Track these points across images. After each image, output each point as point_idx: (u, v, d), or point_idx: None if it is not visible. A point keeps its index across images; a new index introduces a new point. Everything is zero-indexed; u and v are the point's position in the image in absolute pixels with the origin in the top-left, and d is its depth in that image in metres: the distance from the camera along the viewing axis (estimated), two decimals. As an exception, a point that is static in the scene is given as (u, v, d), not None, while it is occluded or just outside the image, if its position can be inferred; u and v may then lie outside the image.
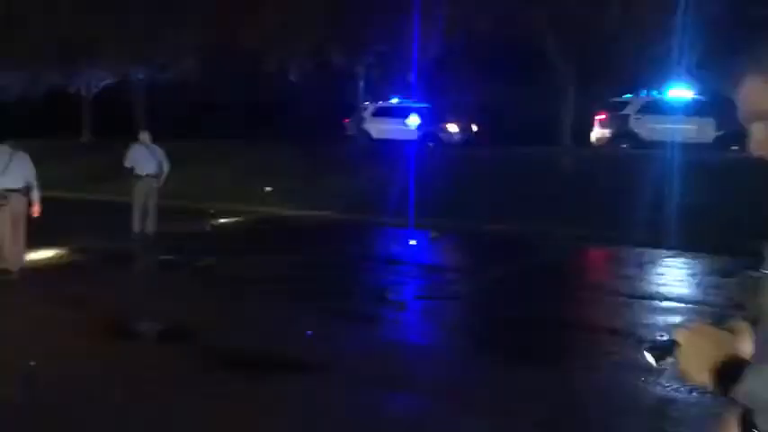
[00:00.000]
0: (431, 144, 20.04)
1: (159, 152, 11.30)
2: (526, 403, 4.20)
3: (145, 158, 11.06)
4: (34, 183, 8.02)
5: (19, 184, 7.84)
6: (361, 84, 20.09)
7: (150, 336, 5.87)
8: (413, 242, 10.81)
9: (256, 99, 22.90)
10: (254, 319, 6.16)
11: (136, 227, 10.98)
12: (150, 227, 11.07)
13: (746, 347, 1.25)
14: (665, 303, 6.74)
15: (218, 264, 8.89)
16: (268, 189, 15.74)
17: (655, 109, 17.90)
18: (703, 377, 1.19)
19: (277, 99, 22.74)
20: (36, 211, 8.01)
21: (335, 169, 16.06)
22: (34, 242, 8.36)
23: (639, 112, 18.09)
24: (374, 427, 3.95)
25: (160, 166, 11.17)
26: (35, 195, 8.00)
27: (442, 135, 21.19)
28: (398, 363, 5.05)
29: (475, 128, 22.06)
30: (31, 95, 25.11)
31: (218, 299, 7.06)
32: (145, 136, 11.38)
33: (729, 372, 1.16)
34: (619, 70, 18.14)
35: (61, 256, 9.42)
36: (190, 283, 7.93)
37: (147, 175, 11.00)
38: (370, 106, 21.68)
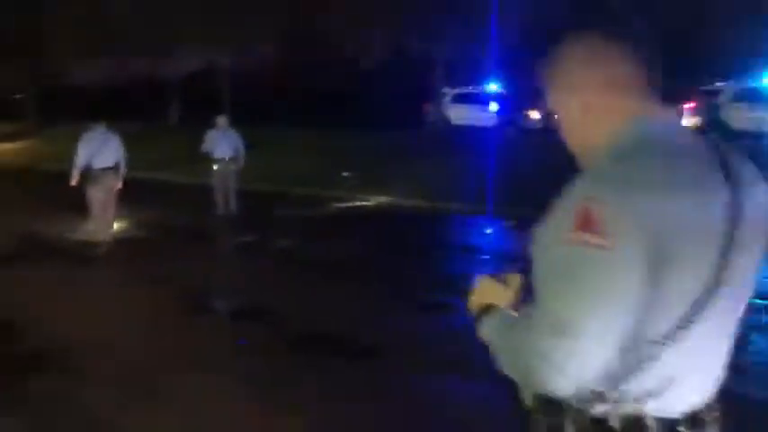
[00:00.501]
0: (510, 130, 19.74)
1: (235, 136, 11.60)
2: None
3: (221, 143, 11.39)
4: (123, 162, 8.63)
5: (111, 163, 8.50)
6: (441, 69, 19.92)
7: (225, 313, 6.04)
8: (489, 230, 10.69)
9: (336, 85, 23.09)
10: (327, 302, 6.24)
11: (219, 209, 11.35)
12: (230, 208, 11.37)
13: (511, 295, 1.44)
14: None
15: (296, 247, 9.04)
16: (346, 174, 15.87)
17: (749, 97, 17.07)
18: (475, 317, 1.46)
19: (356, 85, 22.86)
20: (118, 186, 8.67)
21: (413, 155, 16.03)
22: (121, 218, 8.78)
23: (732, 100, 17.30)
24: (443, 413, 3.94)
25: (236, 150, 11.47)
26: (121, 173, 8.63)
27: (523, 121, 20.83)
28: (468, 350, 4.99)
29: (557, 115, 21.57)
30: (120, 80, 26.14)
31: (293, 281, 7.18)
32: (221, 121, 11.67)
33: (481, 315, 1.44)
34: (710, 57, 17.39)
35: (145, 233, 9.85)
36: (267, 264, 8.09)
37: (223, 159, 11.35)
38: (450, 92, 21.52)
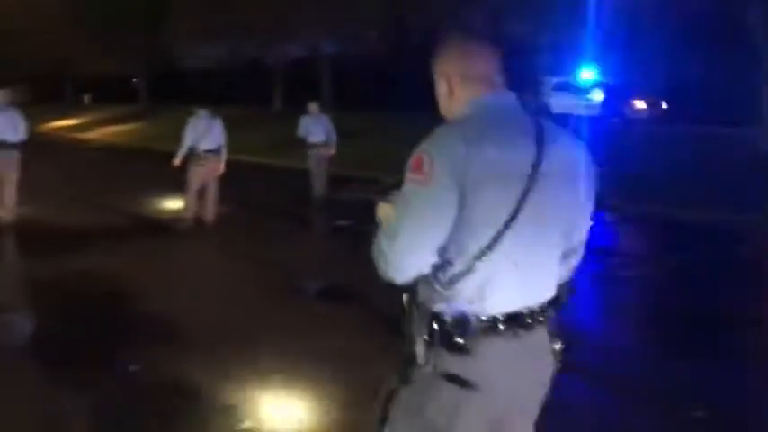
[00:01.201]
0: (615, 120, 19.12)
1: (327, 122, 11.89)
2: (694, 400, 3.96)
3: (314, 128, 11.70)
4: (224, 145, 9.07)
5: (214, 146, 8.92)
6: (543, 56, 19.50)
7: (320, 293, 6.19)
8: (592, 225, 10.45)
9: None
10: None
11: (315, 192, 11.68)
12: (322, 192, 11.71)
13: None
14: None
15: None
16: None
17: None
18: None
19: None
20: (220, 169, 9.04)
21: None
22: (222, 200, 9.19)
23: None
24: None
25: (328, 136, 11.75)
26: (223, 156, 9.04)
27: (627, 111, 20.15)
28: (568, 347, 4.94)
29: (664, 105, 20.74)
30: (229, 66, 27.05)
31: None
32: (314, 107, 11.99)
33: (378, 227, 1.84)
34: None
35: (244, 214, 10.28)
36: (361, 248, 8.22)
37: (317, 144, 11.66)
38: (550, 80, 21.05)
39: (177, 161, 8.91)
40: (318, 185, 11.76)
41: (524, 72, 19.64)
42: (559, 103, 20.85)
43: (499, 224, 1.68)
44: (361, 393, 3.95)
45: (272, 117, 24.35)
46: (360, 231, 9.67)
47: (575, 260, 2.03)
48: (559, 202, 1.80)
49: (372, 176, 15.91)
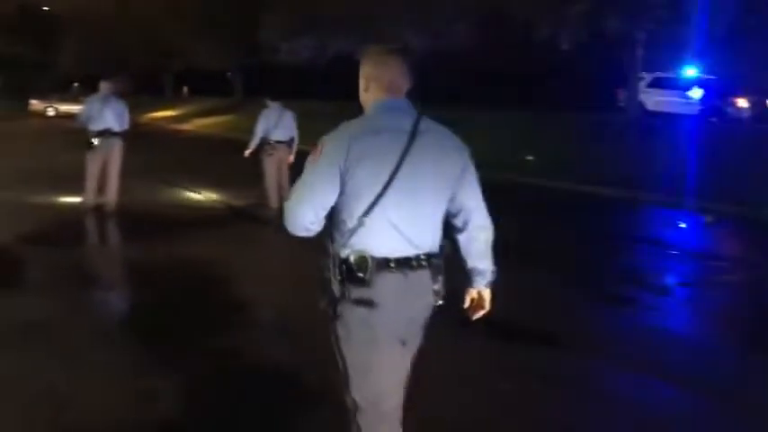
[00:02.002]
0: (713, 119, 18.26)
1: None
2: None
3: None
4: (296, 137, 9.43)
5: (285, 138, 9.30)
6: (639, 52, 18.80)
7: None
8: (682, 225, 10.06)
9: (526, 68, 22.65)
10: (508, 287, 6.20)
11: None
12: None
13: None
14: None
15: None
16: (530, 158, 15.60)
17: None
18: None
19: (547, 68, 22.26)
20: (290, 159, 9.35)
21: (603, 141, 15.38)
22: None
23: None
24: (625, 410, 3.81)
25: None
26: (294, 147, 9.39)
27: (728, 110, 19.16)
28: (655, 349, 4.78)
29: (769, 103, 19.61)
30: (320, 60, 27.43)
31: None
32: None
33: None
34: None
35: None
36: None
37: None
38: (647, 76, 20.29)
39: (248, 151, 9.37)
40: None
41: (620, 67, 19.12)
42: (655, 100, 20.10)
43: (376, 192, 2.26)
44: (439, 381, 3.96)
45: (358, 111, 24.58)
46: (446, 229, 9.56)
47: (481, 220, 2.67)
48: (431, 176, 2.35)
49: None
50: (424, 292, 2.43)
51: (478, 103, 21.69)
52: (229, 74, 42.10)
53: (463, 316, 2.80)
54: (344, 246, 2.31)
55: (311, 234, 2.38)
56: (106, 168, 8.97)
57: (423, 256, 2.37)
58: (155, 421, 3.45)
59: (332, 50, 26.86)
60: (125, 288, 6.03)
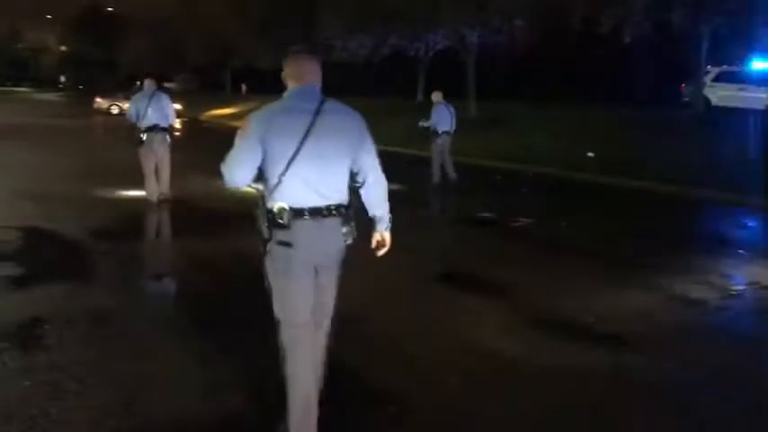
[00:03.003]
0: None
1: (453, 110, 12.33)
2: None
3: (444, 117, 12.11)
4: None
5: None
6: (704, 45, 18.20)
7: (462, 284, 6.12)
8: (749, 223, 9.72)
9: (587, 62, 22.21)
10: (567, 285, 6.13)
11: (435, 178, 12.19)
12: (451, 178, 12.15)
13: None
14: None
15: (534, 226, 8.96)
16: (590, 155, 15.30)
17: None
18: None
19: (609, 62, 21.77)
20: None
21: (666, 137, 14.96)
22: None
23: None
24: (694, 412, 3.70)
25: (453, 124, 12.23)
26: None
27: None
28: (724, 351, 4.64)
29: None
30: (376, 58, 27.49)
31: (532, 260, 7.15)
32: (438, 96, 12.36)
33: None
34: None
35: None
36: (502, 240, 8.13)
37: (444, 132, 12.06)
38: (712, 70, 19.65)
39: None
40: (441, 172, 12.16)
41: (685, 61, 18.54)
42: (721, 95, 19.45)
43: (288, 157, 2.92)
44: (506, 385, 3.92)
45: (415, 108, 24.56)
46: (504, 225, 9.55)
47: (377, 181, 3.28)
48: (334, 144, 3.00)
49: (512, 168, 15.87)
50: (335, 234, 3.09)
51: (537, 99, 21.39)
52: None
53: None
54: (270, 199, 2.98)
55: (241, 187, 3.10)
56: (157, 163, 9.30)
57: (332, 207, 3.03)
58: (219, 412, 3.51)
59: (387, 48, 26.89)
60: (187, 279, 6.13)
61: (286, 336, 3.15)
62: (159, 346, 4.35)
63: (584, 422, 3.57)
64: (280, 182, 2.94)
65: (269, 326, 4.72)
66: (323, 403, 3.20)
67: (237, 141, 2.99)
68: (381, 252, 3.44)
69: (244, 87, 49.79)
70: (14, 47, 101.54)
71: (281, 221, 2.96)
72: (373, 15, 24.67)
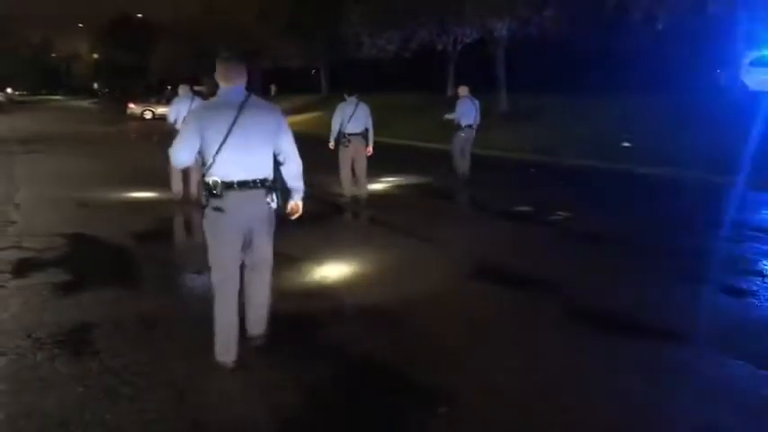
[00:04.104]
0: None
1: (477, 104, 12.33)
2: None
3: (468, 110, 12.17)
4: (371, 129, 9.88)
5: (360, 129, 9.76)
6: (742, 29, 17.79)
7: (504, 281, 6.06)
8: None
9: (620, 50, 21.85)
10: (610, 279, 6.04)
11: (459, 171, 12.34)
12: (466, 172, 12.32)
13: None
14: None
15: (573, 219, 8.86)
16: (626, 144, 15.08)
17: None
18: None
19: (642, 49, 21.40)
20: (369, 151, 9.89)
21: (702, 124, 14.67)
22: (384, 177, 9.37)
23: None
24: (740, 402, 3.62)
25: (476, 118, 12.29)
26: (370, 139, 9.89)
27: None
28: (764, 340, 4.54)
29: None
30: (404, 53, 27.40)
31: (571, 253, 7.06)
32: (464, 90, 12.38)
33: None
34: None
35: (404, 191, 10.69)
36: (541, 234, 8.04)
37: (467, 126, 12.17)
38: (750, 54, 19.20)
39: (331, 144, 10.02)
40: (464, 166, 12.30)
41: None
42: (760, 79, 19.00)
43: (219, 142, 3.77)
44: (557, 377, 3.88)
45: (444, 102, 24.45)
46: (542, 218, 9.46)
47: (293, 160, 4.13)
48: (256, 131, 3.87)
49: (546, 161, 15.69)
50: (259, 202, 3.94)
51: (569, 90, 21.13)
52: (314, 71, 42.74)
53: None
54: (207, 175, 3.86)
55: (186, 165, 4.03)
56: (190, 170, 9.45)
57: (257, 180, 3.89)
58: (269, 413, 3.53)
59: (415, 43, 26.78)
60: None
61: (215, 279, 4.00)
62: (207, 348, 4.38)
63: (638, 421, 3.51)
64: (214, 161, 3.81)
65: (316, 327, 4.76)
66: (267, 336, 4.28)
67: (181, 131, 3.89)
68: (294, 216, 4.30)
69: (273, 88, 50.08)
70: (48, 56, 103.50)
71: (214, 192, 3.83)
72: (401, 10, 24.60)
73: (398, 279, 6.02)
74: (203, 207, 3.88)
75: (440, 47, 26.69)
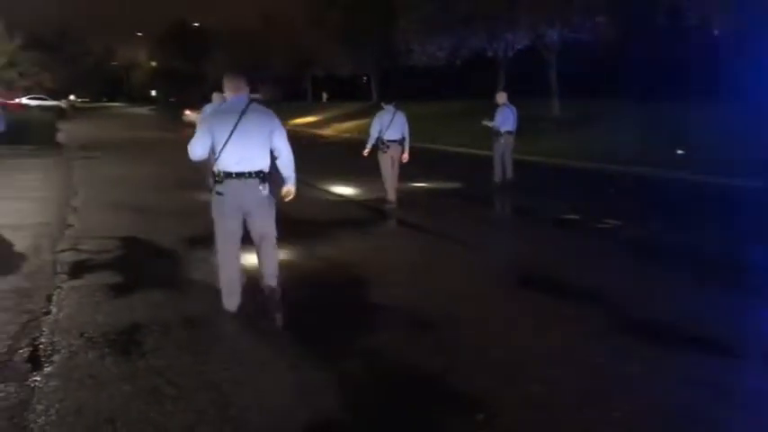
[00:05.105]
0: None
1: (515, 111, 12.56)
2: None
3: (506, 118, 12.40)
4: (407, 136, 10.20)
5: (397, 136, 10.09)
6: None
7: (549, 289, 6.00)
8: None
9: (674, 55, 21.40)
10: (657, 290, 5.93)
11: (499, 177, 12.52)
12: (507, 177, 12.48)
13: None
14: None
15: (621, 227, 8.72)
16: (680, 152, 14.75)
17: None
18: None
19: (697, 55, 20.91)
20: (405, 157, 10.21)
21: (762, 133, 14.23)
22: (430, 183, 9.33)
23: None
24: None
25: (515, 124, 12.50)
26: (406, 146, 10.19)
27: None
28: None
29: None
30: (454, 60, 27.39)
31: (621, 264, 6.95)
32: (503, 97, 12.74)
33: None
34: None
35: (450, 197, 10.72)
36: (589, 243, 7.94)
37: (506, 132, 12.40)
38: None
39: (366, 151, 10.30)
40: (502, 171, 12.48)
41: None
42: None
43: (224, 141, 4.74)
44: (609, 388, 3.84)
45: (493, 109, 24.31)
46: (590, 226, 9.30)
47: (286, 154, 5.04)
48: (254, 132, 4.82)
49: (596, 168, 15.37)
50: (255, 191, 4.86)
51: (622, 96, 20.78)
52: (365, 78, 43.01)
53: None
54: (215, 166, 4.88)
55: (201, 158, 4.93)
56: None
57: (253, 172, 4.83)
58: (312, 416, 3.58)
59: (466, 50, 26.74)
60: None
61: (219, 247, 5.07)
62: (252, 351, 4.47)
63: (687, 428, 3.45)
64: (219, 156, 4.82)
65: (357, 330, 4.81)
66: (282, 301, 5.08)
67: (197, 132, 4.93)
68: (288, 199, 5.20)
69: (325, 95, 50.58)
70: (109, 64, 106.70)
71: (218, 180, 4.85)
72: (452, 17, 24.62)
73: (441, 285, 6.03)
74: (210, 191, 4.98)
75: (490, 53, 26.59)
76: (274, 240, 5.08)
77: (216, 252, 5.09)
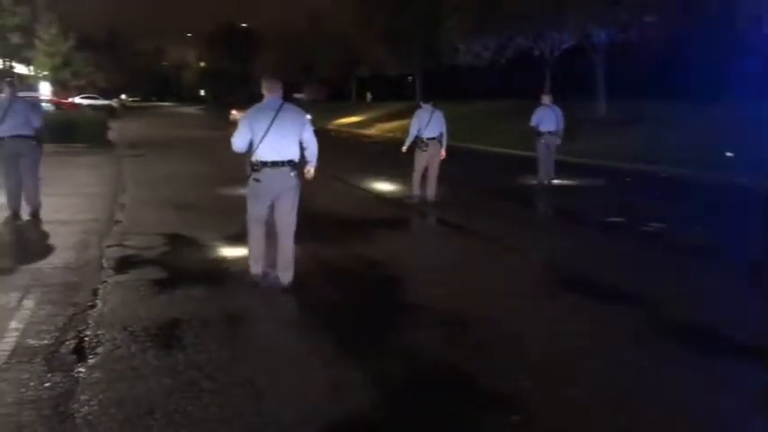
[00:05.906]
0: None
1: (559, 112, 12.57)
2: None
3: (548, 117, 12.47)
4: (445, 134, 10.46)
5: (436, 134, 10.35)
6: None
7: (591, 292, 5.92)
8: None
9: (723, 55, 20.87)
10: (700, 294, 5.80)
11: (540, 178, 12.60)
12: (551, 177, 12.58)
13: None
14: None
15: (667, 230, 8.55)
16: (729, 154, 14.38)
17: None
18: None
19: (751, 54, 20.35)
20: (443, 154, 10.43)
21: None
22: (473, 185, 9.27)
23: None
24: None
25: (558, 125, 12.46)
26: (444, 143, 10.43)
27: None
28: None
29: None
30: (499, 59, 27.19)
31: (662, 265, 6.83)
32: (547, 98, 12.78)
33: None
34: None
35: (491, 197, 10.48)
36: (632, 245, 7.80)
37: (548, 132, 12.42)
38: None
39: (405, 148, 10.60)
40: (545, 172, 12.52)
41: None
42: None
43: (262, 134, 5.53)
44: (659, 396, 3.78)
45: (528, 107, 24.06)
46: (634, 229, 9.15)
47: (312, 146, 5.85)
48: (288, 127, 5.63)
49: (643, 169, 15.12)
50: (286, 177, 5.62)
51: (670, 94, 20.35)
52: (410, 78, 43.03)
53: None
54: (253, 156, 5.58)
55: (243, 151, 5.66)
56: None
57: (285, 161, 5.58)
58: (345, 412, 3.61)
59: (511, 50, 26.51)
60: (315, 283, 6.32)
61: (249, 222, 5.84)
62: (288, 347, 4.53)
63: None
64: (257, 147, 5.53)
65: (394, 330, 4.83)
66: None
67: (238, 127, 5.66)
68: (309, 177, 5.96)
69: (369, 96, 50.74)
70: (159, 64, 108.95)
71: (255, 168, 5.58)
72: (500, 16, 24.45)
73: (480, 285, 6.01)
74: (247, 177, 5.66)
75: (537, 53, 26.32)
76: (293, 235, 5.81)
77: (248, 226, 5.89)
